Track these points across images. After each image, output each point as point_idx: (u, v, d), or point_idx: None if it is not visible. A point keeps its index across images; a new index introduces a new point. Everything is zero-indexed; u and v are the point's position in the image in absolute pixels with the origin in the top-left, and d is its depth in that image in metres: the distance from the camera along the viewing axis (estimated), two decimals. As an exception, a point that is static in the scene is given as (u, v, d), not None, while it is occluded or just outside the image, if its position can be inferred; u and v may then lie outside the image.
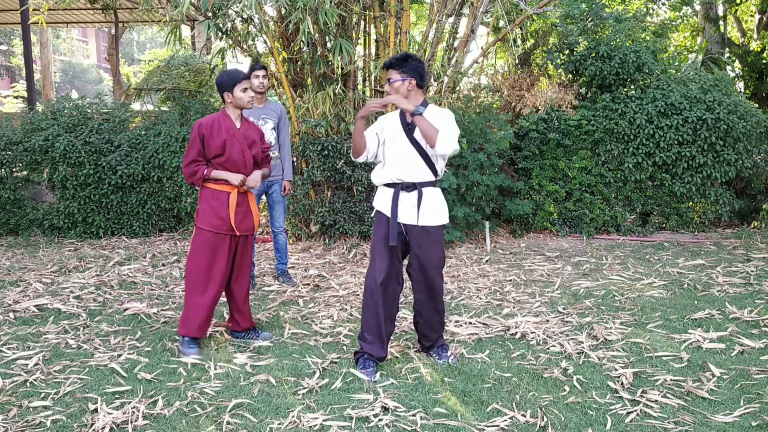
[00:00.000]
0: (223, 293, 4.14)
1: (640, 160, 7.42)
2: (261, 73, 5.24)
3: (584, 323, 4.46)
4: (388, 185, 3.65)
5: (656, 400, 3.27)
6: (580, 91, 8.02)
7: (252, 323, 4.26)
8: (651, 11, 12.68)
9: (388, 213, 3.60)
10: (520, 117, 7.77)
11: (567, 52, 8.08)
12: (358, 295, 5.17)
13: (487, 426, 3.03)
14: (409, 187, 3.58)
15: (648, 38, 8.21)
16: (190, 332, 3.93)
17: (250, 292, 5.27)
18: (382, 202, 3.66)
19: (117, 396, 3.35)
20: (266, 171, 4.21)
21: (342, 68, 6.54)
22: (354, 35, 6.97)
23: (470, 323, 4.45)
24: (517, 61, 8.46)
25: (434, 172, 3.62)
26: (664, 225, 7.71)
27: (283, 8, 6.38)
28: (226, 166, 3.95)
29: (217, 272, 3.95)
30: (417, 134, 3.56)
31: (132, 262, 6.24)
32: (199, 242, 3.94)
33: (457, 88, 7.67)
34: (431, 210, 3.60)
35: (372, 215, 3.76)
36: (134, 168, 7.20)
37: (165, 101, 9.40)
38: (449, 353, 3.83)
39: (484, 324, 4.44)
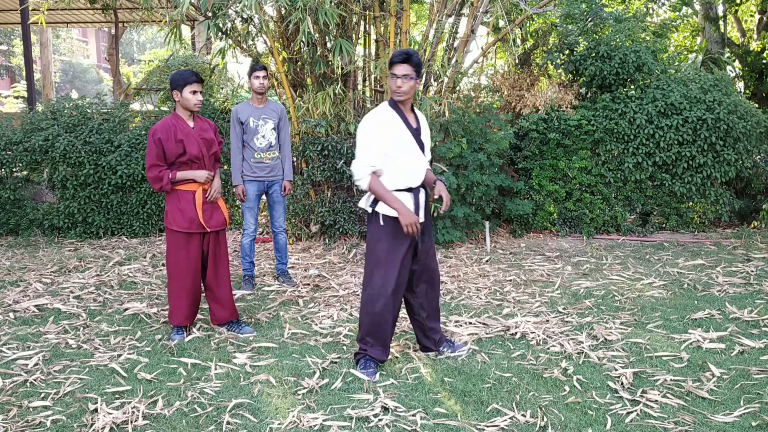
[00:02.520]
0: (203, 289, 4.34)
1: (640, 160, 7.42)
2: (261, 73, 5.24)
3: (584, 323, 4.46)
4: (399, 190, 3.53)
5: (656, 400, 3.27)
6: (580, 91, 8.02)
7: (235, 316, 4.35)
8: (651, 11, 12.68)
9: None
10: (520, 117, 7.77)
11: (567, 52, 8.08)
12: (358, 295, 5.17)
13: (487, 426, 3.03)
14: (418, 189, 3.60)
15: (648, 38, 8.21)
16: (179, 322, 4.19)
17: (250, 292, 5.28)
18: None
19: (117, 396, 3.36)
20: (216, 180, 4.26)
21: (342, 68, 6.54)
22: (354, 35, 6.96)
23: (470, 323, 4.45)
24: (517, 61, 8.45)
25: None
26: (664, 225, 7.71)
27: (283, 8, 6.38)
28: (190, 164, 4.06)
29: (192, 266, 4.15)
30: (421, 137, 3.58)
31: (132, 262, 6.24)
32: (173, 242, 4.13)
33: (457, 88, 7.67)
34: (427, 205, 3.69)
35: (365, 219, 3.75)
36: (134, 168, 7.20)
37: (165, 101, 9.40)
38: (461, 343, 3.95)
39: (484, 324, 4.44)
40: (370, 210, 3.58)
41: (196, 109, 4.07)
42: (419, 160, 3.56)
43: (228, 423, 3.06)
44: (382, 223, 3.52)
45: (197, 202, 4.08)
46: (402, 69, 3.43)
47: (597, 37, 8.00)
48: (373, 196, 3.54)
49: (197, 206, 4.08)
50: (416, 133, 3.55)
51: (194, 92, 4.03)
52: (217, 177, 4.26)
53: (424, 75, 7.12)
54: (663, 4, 13.20)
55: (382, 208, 3.52)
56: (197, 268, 4.18)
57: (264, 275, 5.82)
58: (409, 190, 3.54)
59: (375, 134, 3.45)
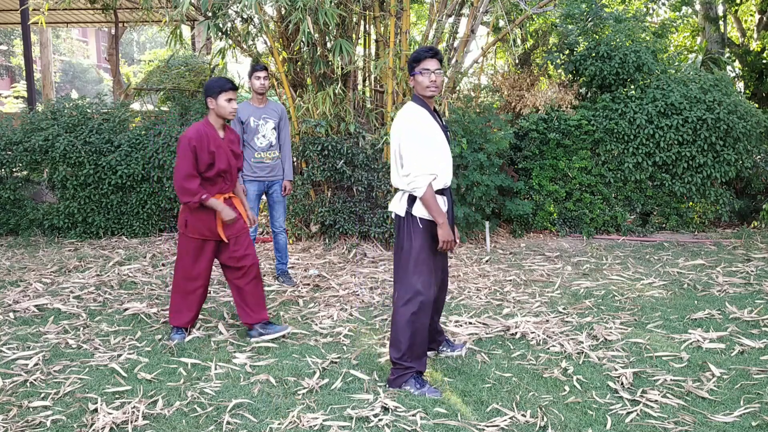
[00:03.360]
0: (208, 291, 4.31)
1: (640, 160, 7.42)
2: (262, 74, 5.24)
3: (584, 323, 4.46)
4: (438, 192, 3.39)
5: (656, 400, 3.27)
6: (580, 91, 8.02)
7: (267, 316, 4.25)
8: (651, 11, 12.68)
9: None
10: (520, 117, 7.77)
11: (567, 52, 8.07)
12: (358, 295, 5.17)
13: (487, 426, 3.03)
14: (449, 189, 3.49)
15: (648, 38, 8.21)
16: (183, 324, 4.16)
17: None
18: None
19: (117, 396, 3.36)
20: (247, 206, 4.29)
21: (342, 68, 6.54)
22: (354, 35, 6.97)
23: (470, 323, 4.45)
24: (517, 61, 8.46)
25: None
26: (664, 225, 7.71)
27: (283, 8, 6.38)
28: (217, 178, 3.96)
29: (204, 272, 4.10)
30: (448, 133, 3.52)
31: (132, 262, 6.23)
32: (186, 247, 4.06)
33: (457, 88, 7.67)
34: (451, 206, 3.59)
35: (398, 223, 3.49)
36: (134, 168, 7.20)
37: (165, 101, 9.40)
38: (460, 344, 3.95)
39: (484, 324, 4.44)
40: (403, 213, 3.38)
41: (232, 117, 3.95)
42: (449, 162, 3.44)
43: (228, 423, 3.06)
44: (421, 225, 3.35)
45: (218, 215, 3.98)
46: (434, 64, 3.34)
47: (597, 37, 8.00)
48: (406, 199, 3.37)
49: (218, 218, 3.97)
50: (445, 129, 3.48)
51: (230, 100, 3.90)
52: (245, 202, 4.23)
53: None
54: (663, 4, 13.20)
55: (419, 211, 3.35)
56: (209, 274, 4.13)
57: (264, 275, 5.82)
58: (442, 192, 3.40)
59: (426, 138, 3.30)
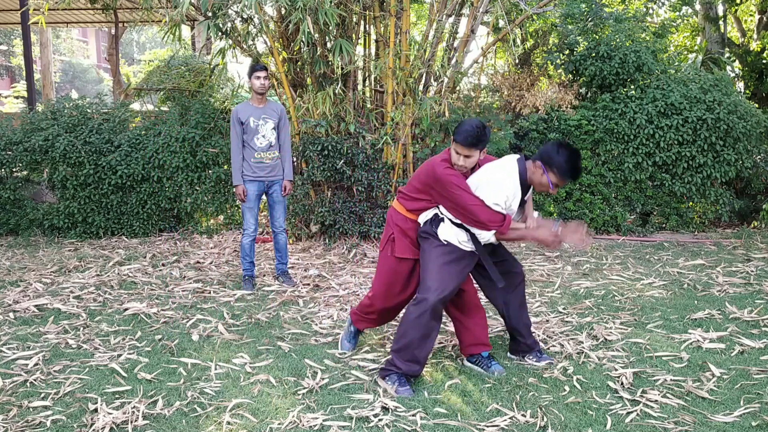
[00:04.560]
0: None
1: (640, 160, 7.42)
2: (262, 74, 5.24)
3: (584, 323, 4.46)
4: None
5: (656, 400, 3.27)
6: (580, 91, 8.02)
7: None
8: (651, 11, 12.67)
9: (467, 248, 3.47)
10: (520, 117, 7.77)
11: (567, 52, 8.07)
12: (358, 295, 5.17)
13: (487, 426, 3.03)
14: None
15: (648, 38, 8.21)
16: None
17: (250, 292, 5.28)
18: (457, 237, 3.44)
19: (117, 396, 3.36)
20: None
21: (342, 68, 6.54)
22: (354, 35, 6.97)
23: (470, 323, 4.45)
24: (517, 61, 8.45)
25: None
26: (664, 225, 7.71)
27: (283, 8, 6.38)
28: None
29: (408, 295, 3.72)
30: (524, 205, 3.54)
31: (132, 262, 6.23)
32: (402, 270, 3.63)
33: (457, 88, 7.67)
34: None
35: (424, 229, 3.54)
36: (134, 168, 7.20)
37: (165, 101, 9.39)
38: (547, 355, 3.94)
39: (484, 324, 4.44)
40: (431, 231, 3.47)
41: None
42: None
43: (228, 423, 3.06)
44: (441, 239, 3.46)
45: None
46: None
47: (597, 37, 8.00)
48: (431, 217, 3.49)
49: None
50: (523, 201, 3.52)
51: None
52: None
53: (424, 75, 7.12)
54: (663, 4, 13.19)
55: (444, 235, 3.44)
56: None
57: (264, 275, 5.82)
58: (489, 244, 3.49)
59: (502, 193, 3.35)
